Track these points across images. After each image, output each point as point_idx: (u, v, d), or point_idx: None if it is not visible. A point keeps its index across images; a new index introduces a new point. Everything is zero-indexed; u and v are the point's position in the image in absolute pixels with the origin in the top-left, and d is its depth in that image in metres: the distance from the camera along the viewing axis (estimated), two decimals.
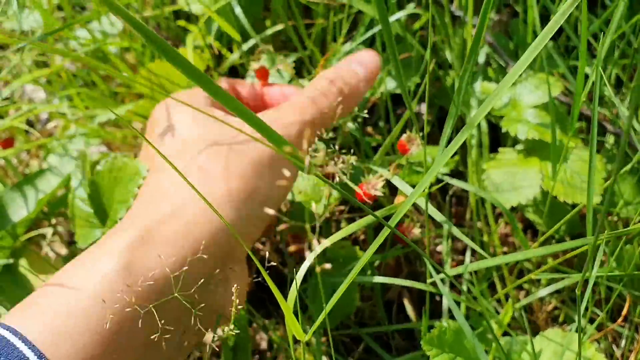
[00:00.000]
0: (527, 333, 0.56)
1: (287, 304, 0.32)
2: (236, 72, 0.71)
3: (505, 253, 0.62)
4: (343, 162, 0.37)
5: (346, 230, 0.37)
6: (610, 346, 0.56)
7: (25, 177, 0.60)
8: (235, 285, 0.37)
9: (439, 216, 0.43)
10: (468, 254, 0.58)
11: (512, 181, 0.52)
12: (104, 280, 0.37)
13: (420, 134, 0.48)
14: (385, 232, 0.31)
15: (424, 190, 0.46)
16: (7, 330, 0.35)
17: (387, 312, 0.63)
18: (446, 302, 0.56)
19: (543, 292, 0.53)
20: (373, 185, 0.46)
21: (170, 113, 0.48)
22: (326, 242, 0.37)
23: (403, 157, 0.49)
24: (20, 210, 0.56)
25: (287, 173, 0.45)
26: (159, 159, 0.45)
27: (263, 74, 0.57)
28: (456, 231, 0.43)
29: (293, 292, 0.34)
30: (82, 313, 0.36)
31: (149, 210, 0.42)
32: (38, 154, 0.69)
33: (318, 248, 0.39)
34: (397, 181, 0.48)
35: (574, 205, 0.59)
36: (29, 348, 0.35)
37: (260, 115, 0.46)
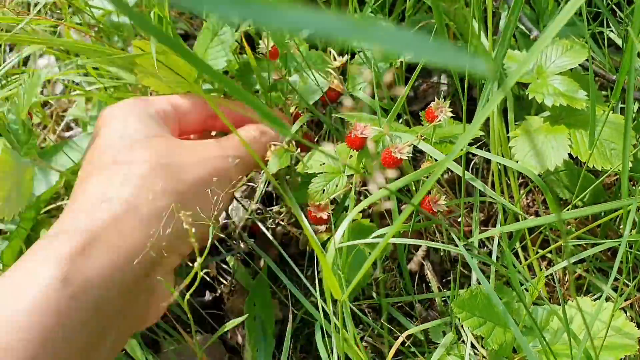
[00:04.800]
0: (550, 302, 0.56)
1: (327, 259, 0.32)
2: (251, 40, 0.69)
3: None
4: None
5: (370, 199, 0.37)
6: (638, 315, 0.55)
7: (43, 150, 0.59)
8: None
9: (477, 183, 0.43)
10: (498, 222, 0.58)
11: (540, 149, 0.51)
12: (42, 291, 0.38)
13: (449, 102, 0.47)
14: (419, 196, 0.31)
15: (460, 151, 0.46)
16: None
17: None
18: (474, 271, 0.56)
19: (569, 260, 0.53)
20: (399, 150, 0.45)
21: (119, 118, 0.49)
22: (355, 211, 0.37)
23: (430, 125, 0.48)
24: (40, 184, 0.56)
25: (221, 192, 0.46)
26: (97, 162, 0.46)
27: (273, 53, 0.57)
28: (490, 192, 0.43)
29: (331, 251, 0.34)
30: (20, 325, 0.36)
31: (88, 216, 0.43)
32: (55, 129, 0.68)
33: (349, 216, 0.39)
34: (424, 146, 0.47)
35: (597, 175, 0.58)
36: None
37: (204, 142, 0.50)
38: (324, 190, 0.52)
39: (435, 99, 0.49)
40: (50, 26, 0.68)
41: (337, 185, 0.52)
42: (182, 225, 0.42)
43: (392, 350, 0.51)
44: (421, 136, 0.49)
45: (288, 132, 0.27)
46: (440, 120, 0.48)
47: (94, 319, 0.39)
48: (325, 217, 0.53)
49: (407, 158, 0.47)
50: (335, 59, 0.53)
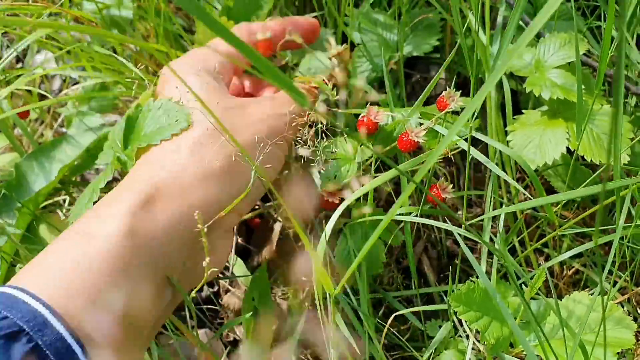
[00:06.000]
0: (548, 296, 0.56)
1: (317, 254, 0.32)
2: None
3: (526, 217, 0.62)
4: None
5: (379, 179, 0.37)
6: (635, 309, 0.55)
7: (42, 145, 0.59)
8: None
9: (482, 158, 0.43)
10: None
11: (538, 142, 0.51)
12: (110, 242, 0.40)
13: (459, 92, 0.48)
14: (421, 173, 0.31)
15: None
16: (15, 289, 0.37)
17: (406, 278, 0.63)
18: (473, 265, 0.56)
19: (565, 254, 0.53)
20: (416, 133, 0.46)
21: (181, 74, 0.49)
22: (357, 193, 0.37)
23: (442, 113, 0.49)
24: (39, 179, 0.56)
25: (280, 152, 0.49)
26: None
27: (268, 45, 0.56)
28: (498, 171, 0.43)
29: (322, 243, 0.34)
30: (90, 271, 0.38)
31: (149, 172, 0.45)
32: (52, 124, 0.68)
33: (354, 193, 0.38)
34: (440, 129, 0.47)
35: (595, 169, 0.58)
36: (39, 302, 0.36)
37: (259, 100, 0.51)
38: (335, 176, 0.52)
39: (447, 88, 0.49)
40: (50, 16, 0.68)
41: (348, 171, 0.52)
42: (240, 185, 0.45)
43: (384, 333, 0.51)
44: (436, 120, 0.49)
45: (306, 103, 0.27)
46: (451, 109, 0.48)
47: (153, 271, 0.42)
48: (337, 201, 0.53)
49: (424, 141, 0.47)
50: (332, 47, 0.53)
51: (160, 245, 0.42)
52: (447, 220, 0.60)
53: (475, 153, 0.46)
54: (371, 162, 0.50)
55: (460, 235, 0.44)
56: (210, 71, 0.51)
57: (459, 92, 0.48)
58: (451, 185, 0.49)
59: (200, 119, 0.47)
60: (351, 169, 0.50)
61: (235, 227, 0.51)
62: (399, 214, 0.49)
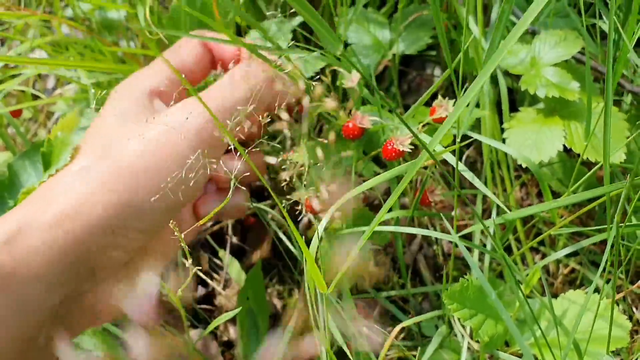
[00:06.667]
0: (543, 295, 0.56)
1: (310, 252, 0.31)
2: None
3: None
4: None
5: (369, 183, 0.37)
6: (630, 308, 0.55)
7: (34, 144, 0.59)
8: None
9: (468, 174, 0.43)
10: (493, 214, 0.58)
11: (534, 140, 0.51)
12: None
13: (452, 100, 0.47)
14: (409, 174, 0.30)
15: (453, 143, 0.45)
16: None
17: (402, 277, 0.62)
18: (469, 262, 0.56)
19: (561, 252, 0.53)
20: (401, 142, 0.45)
21: (114, 100, 0.48)
22: (348, 195, 0.36)
23: (430, 118, 0.48)
24: (31, 178, 0.56)
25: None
26: (83, 146, 0.47)
27: None
28: (480, 185, 0.43)
29: (315, 242, 0.33)
30: None
31: (32, 205, 0.42)
32: (46, 123, 0.68)
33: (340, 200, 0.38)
34: (424, 137, 0.47)
35: (590, 168, 0.58)
36: None
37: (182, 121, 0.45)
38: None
39: (439, 96, 0.49)
40: (43, 20, 0.68)
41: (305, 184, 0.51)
42: (124, 240, 0.42)
43: (387, 344, 0.51)
44: (422, 126, 0.49)
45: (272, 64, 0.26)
46: (441, 115, 0.48)
47: (22, 318, 0.39)
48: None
49: (409, 150, 0.47)
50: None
51: (24, 285, 0.39)
52: (438, 226, 0.60)
53: (462, 169, 0.45)
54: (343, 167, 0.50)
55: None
56: (150, 92, 0.48)
57: (452, 101, 0.48)
58: (440, 187, 0.49)
59: (115, 158, 0.44)
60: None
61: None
62: (383, 224, 0.49)
